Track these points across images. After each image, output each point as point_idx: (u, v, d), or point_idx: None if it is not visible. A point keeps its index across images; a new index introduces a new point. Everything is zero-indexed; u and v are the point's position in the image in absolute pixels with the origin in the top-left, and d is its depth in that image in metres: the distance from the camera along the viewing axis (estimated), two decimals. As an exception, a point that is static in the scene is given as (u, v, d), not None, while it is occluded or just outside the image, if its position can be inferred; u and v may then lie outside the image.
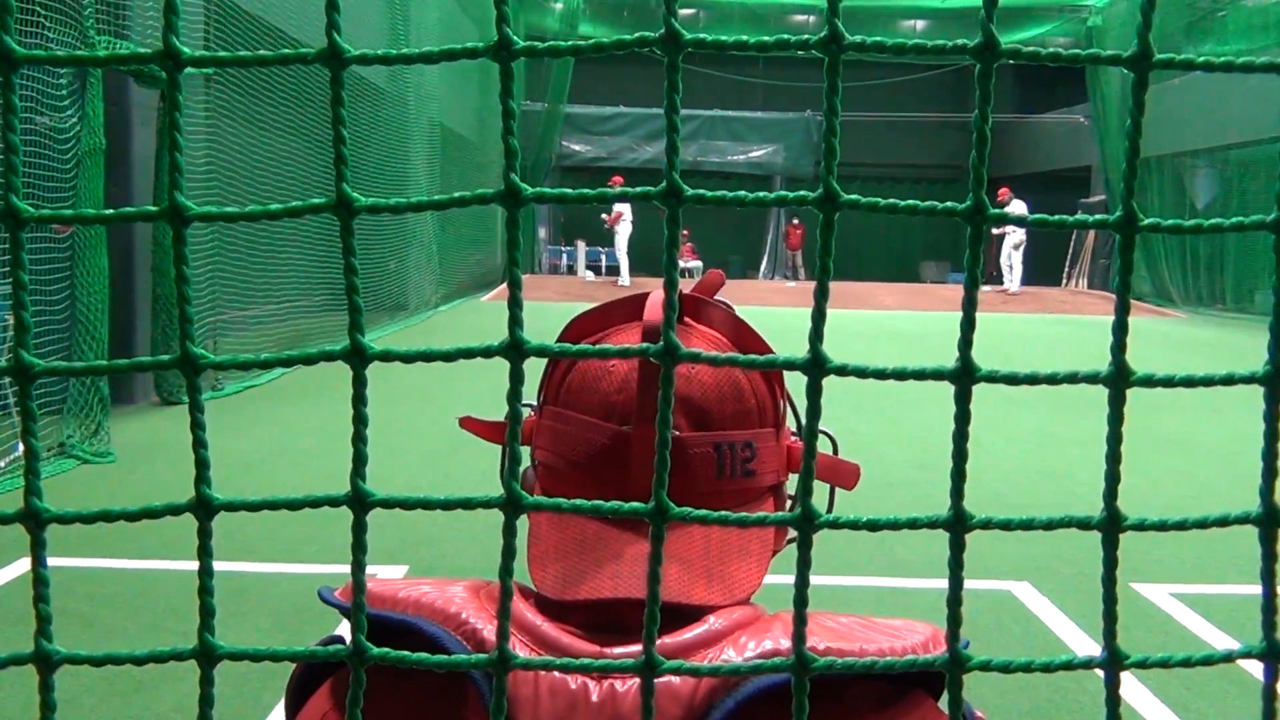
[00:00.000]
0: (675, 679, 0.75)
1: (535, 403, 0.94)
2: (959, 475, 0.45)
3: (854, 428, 8.20)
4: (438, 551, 4.84)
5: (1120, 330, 0.45)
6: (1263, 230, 0.45)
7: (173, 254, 0.43)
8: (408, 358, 0.45)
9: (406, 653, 0.47)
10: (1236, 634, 4.30)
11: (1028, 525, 0.46)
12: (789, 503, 1.01)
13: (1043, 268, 24.87)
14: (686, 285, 0.99)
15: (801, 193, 0.48)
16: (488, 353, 0.45)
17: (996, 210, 0.45)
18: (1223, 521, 0.47)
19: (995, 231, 23.16)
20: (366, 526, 0.46)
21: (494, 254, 23.21)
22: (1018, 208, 21.70)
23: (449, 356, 0.45)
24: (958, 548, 0.45)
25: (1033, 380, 0.45)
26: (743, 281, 25.92)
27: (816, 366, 0.45)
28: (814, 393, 0.45)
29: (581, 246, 25.33)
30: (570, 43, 0.45)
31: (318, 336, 11.35)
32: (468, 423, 0.97)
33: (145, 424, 7.78)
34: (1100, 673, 0.45)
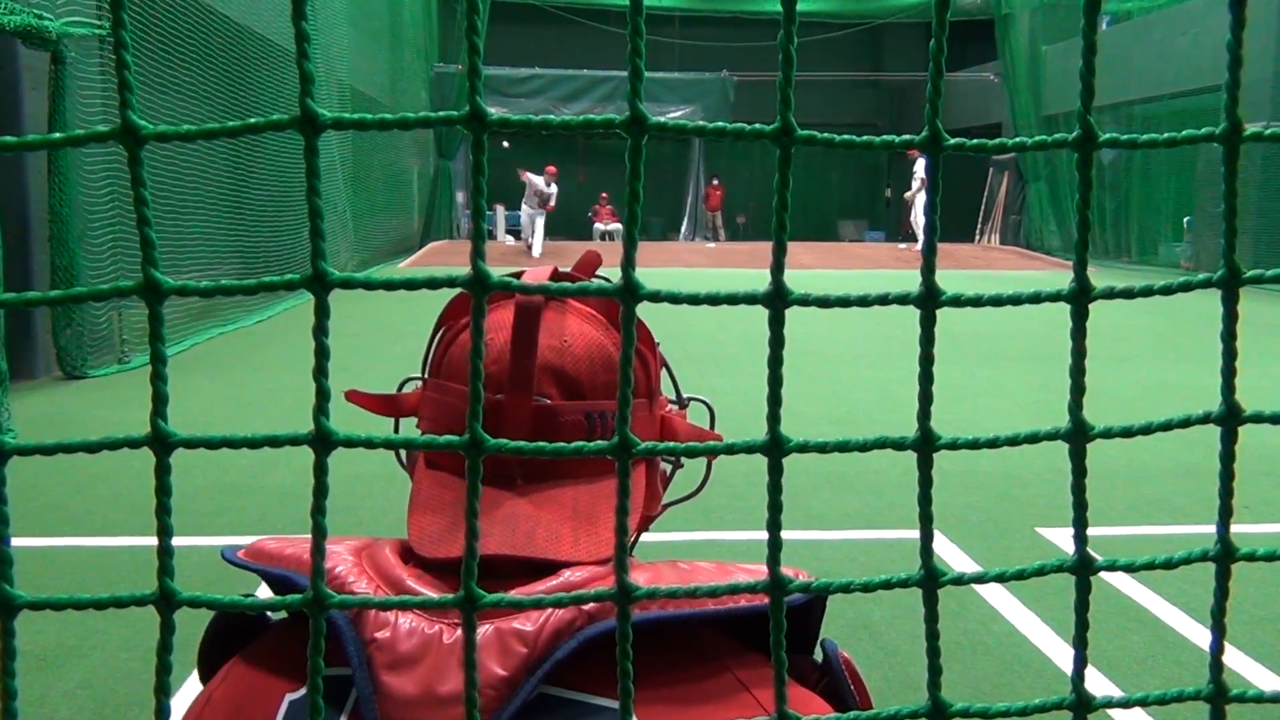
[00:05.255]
0: (523, 625, 0.77)
1: (421, 376, 0.98)
2: (774, 400, 0.45)
3: (771, 385, 8.29)
4: (352, 520, 4.80)
5: (930, 251, 0.45)
6: (1066, 149, 0.45)
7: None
8: (206, 292, 0.43)
9: (219, 597, 0.46)
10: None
11: (843, 447, 0.46)
12: (665, 472, 1.05)
13: (955, 224, 25.29)
14: (604, 249, 1.01)
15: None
16: (290, 285, 0.44)
17: (805, 133, 0.45)
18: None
19: (906, 195, 23.49)
20: (169, 468, 0.44)
21: (411, 220, 22.86)
22: (923, 166, 22.02)
23: (249, 290, 0.44)
24: (775, 471, 0.46)
25: (844, 302, 0.45)
26: (663, 243, 25.94)
27: (628, 293, 0.44)
28: (628, 320, 0.45)
29: (500, 211, 25.04)
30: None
31: (229, 307, 11.10)
32: (354, 396, 1.00)
33: (48, 399, 7.56)
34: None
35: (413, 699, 0.76)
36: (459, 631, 0.78)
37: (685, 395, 1.06)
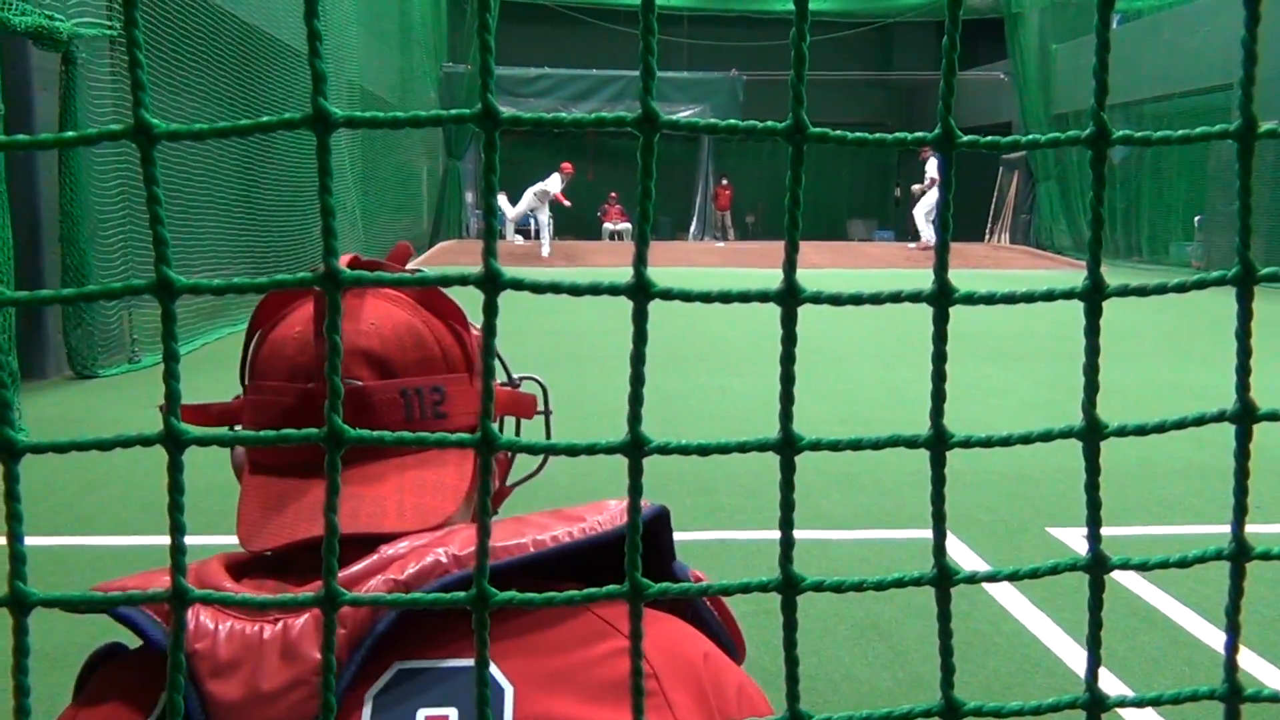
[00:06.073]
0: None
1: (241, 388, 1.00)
2: (787, 398, 0.45)
3: (781, 384, 8.27)
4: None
5: (943, 249, 0.45)
6: (1079, 145, 0.45)
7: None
8: (218, 290, 0.43)
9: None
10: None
11: (856, 445, 0.46)
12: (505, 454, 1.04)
13: (965, 223, 25.20)
14: (615, 249, 1.01)
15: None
16: (303, 283, 0.44)
17: (817, 130, 0.45)
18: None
19: (915, 188, 23.38)
20: (182, 466, 0.44)
21: (420, 219, 22.89)
22: (934, 166, 21.90)
23: (261, 288, 0.44)
24: (788, 469, 0.45)
25: (857, 300, 0.45)
26: (672, 243, 25.90)
27: (641, 291, 0.44)
28: (641, 318, 0.45)
29: (503, 199, 25.00)
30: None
31: (239, 306, 11.13)
32: (166, 409, 0.99)
33: (59, 398, 7.59)
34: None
35: (238, 702, 0.75)
36: (279, 626, 0.77)
37: (517, 375, 1.07)
